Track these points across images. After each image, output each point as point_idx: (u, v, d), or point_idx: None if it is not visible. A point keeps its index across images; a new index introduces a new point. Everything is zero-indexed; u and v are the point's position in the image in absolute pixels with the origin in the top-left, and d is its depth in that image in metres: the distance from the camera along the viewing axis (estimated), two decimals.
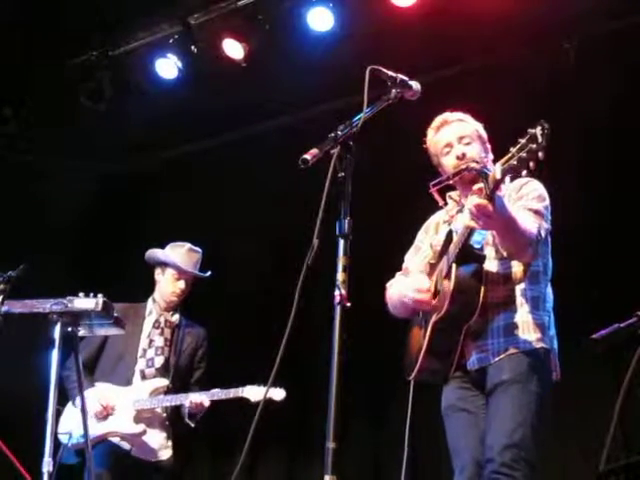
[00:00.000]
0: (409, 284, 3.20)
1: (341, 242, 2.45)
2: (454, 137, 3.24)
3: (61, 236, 6.43)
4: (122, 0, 5.44)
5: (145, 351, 4.60)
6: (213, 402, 4.45)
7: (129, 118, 6.04)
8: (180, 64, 5.69)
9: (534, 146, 2.51)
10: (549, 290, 3.17)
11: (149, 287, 4.84)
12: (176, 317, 4.74)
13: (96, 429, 4.35)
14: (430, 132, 3.34)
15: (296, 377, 5.64)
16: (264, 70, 5.57)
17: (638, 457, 2.74)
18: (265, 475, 6.12)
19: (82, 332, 3.74)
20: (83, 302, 3.53)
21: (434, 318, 3.05)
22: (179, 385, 4.59)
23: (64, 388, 4.39)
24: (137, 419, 4.42)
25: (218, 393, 4.46)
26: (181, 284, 4.68)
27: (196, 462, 6.36)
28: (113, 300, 3.68)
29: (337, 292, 2.39)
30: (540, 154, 2.51)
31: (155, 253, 4.77)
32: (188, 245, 4.78)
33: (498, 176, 2.63)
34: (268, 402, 4.27)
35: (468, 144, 3.24)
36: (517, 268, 3.06)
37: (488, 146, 3.30)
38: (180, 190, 6.65)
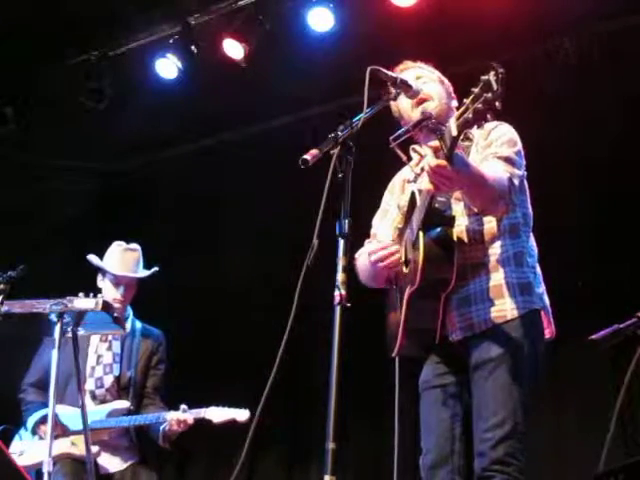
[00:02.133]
0: (373, 246, 3.00)
1: (341, 242, 2.44)
2: (411, 78, 2.96)
3: (61, 236, 6.43)
4: (122, 0, 5.44)
5: (94, 369, 4.34)
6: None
7: (129, 118, 6.04)
8: (180, 64, 5.68)
9: (489, 95, 2.25)
10: (532, 242, 2.97)
11: (145, 288, 4.79)
12: (126, 326, 4.38)
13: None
14: None
15: (296, 377, 5.65)
16: (264, 70, 5.57)
17: (638, 457, 2.73)
18: (264, 476, 6.12)
19: (82, 332, 3.75)
20: (83, 302, 3.53)
21: (408, 291, 2.82)
22: (139, 403, 4.36)
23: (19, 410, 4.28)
24: (92, 440, 4.04)
25: (171, 413, 4.16)
26: (121, 290, 4.42)
27: (194, 463, 6.36)
28: None
29: (337, 292, 2.37)
30: (497, 103, 2.25)
31: (91, 259, 4.49)
32: (124, 245, 4.51)
33: (454, 133, 2.36)
34: (232, 422, 4.09)
35: (425, 83, 3.03)
36: (493, 223, 2.85)
37: (452, 92, 3.11)
38: (180, 190, 6.65)
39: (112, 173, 7.07)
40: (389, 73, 2.82)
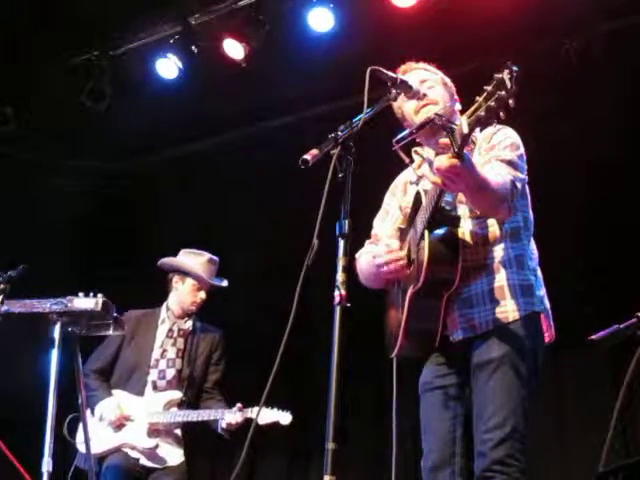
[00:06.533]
0: (378, 248, 2.95)
1: (341, 242, 2.43)
2: (415, 80, 2.94)
3: (61, 236, 6.43)
4: (122, 0, 5.44)
5: (157, 362, 4.61)
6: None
7: (129, 118, 6.04)
8: (180, 64, 5.69)
9: (503, 93, 2.23)
10: (532, 246, 2.98)
11: (147, 286, 4.81)
12: (189, 324, 4.72)
13: (111, 439, 4.45)
14: None
15: (296, 377, 5.65)
16: (264, 70, 5.57)
17: (638, 457, 2.73)
18: (264, 476, 6.12)
19: (82, 332, 3.75)
20: (83, 302, 3.54)
21: (411, 290, 2.81)
22: (193, 396, 4.62)
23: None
24: (150, 433, 4.46)
25: (226, 414, 4.41)
26: (202, 294, 4.70)
27: (196, 463, 6.36)
28: (113, 300, 3.68)
29: (337, 292, 2.37)
30: (510, 101, 2.22)
31: (175, 261, 4.76)
32: (208, 255, 4.77)
33: (465, 130, 2.33)
34: (275, 425, 4.39)
35: (431, 87, 3.01)
36: (496, 226, 2.86)
37: (456, 96, 3.09)
38: (180, 190, 6.65)
39: (112, 173, 7.07)
40: (389, 73, 2.81)
